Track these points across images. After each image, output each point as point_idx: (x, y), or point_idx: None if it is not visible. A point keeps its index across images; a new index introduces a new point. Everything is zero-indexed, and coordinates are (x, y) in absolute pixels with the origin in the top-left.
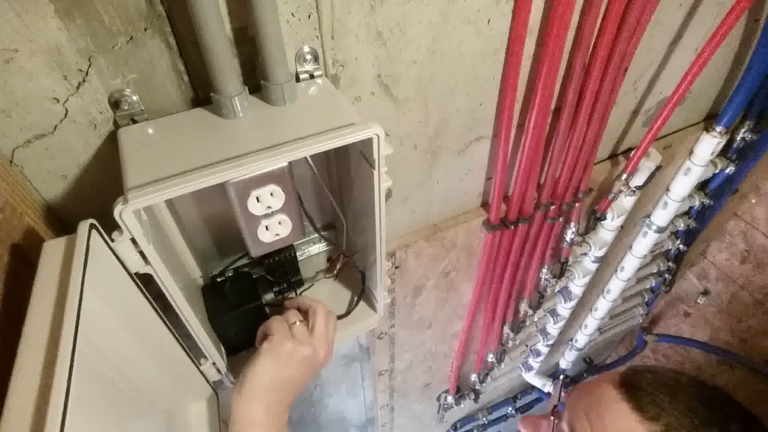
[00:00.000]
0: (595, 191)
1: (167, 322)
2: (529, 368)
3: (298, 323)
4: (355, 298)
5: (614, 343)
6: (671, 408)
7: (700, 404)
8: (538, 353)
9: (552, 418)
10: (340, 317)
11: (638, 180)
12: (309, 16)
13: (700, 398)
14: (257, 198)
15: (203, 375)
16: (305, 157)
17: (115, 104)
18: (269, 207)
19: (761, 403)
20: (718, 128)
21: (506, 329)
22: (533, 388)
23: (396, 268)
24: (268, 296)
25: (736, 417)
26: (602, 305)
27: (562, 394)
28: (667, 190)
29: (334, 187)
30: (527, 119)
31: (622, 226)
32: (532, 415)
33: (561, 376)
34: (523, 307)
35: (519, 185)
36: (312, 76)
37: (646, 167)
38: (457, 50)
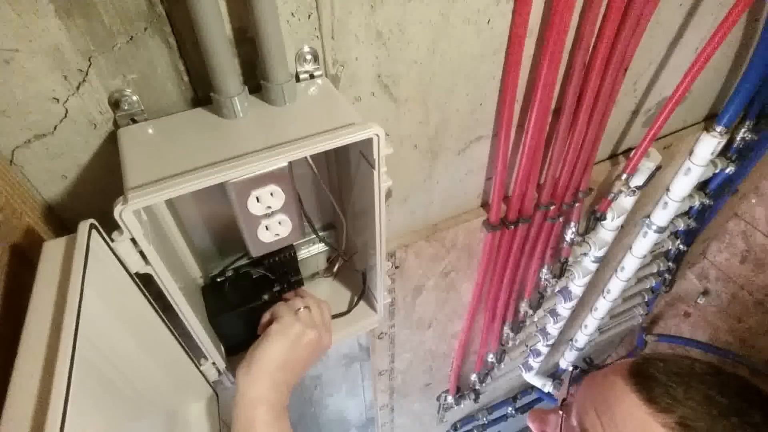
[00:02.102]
0: (595, 191)
1: (167, 322)
2: (529, 368)
3: (302, 309)
4: (355, 298)
5: (614, 343)
6: (686, 398)
7: (718, 393)
8: (538, 353)
9: (560, 412)
10: (339, 315)
11: (638, 180)
12: (309, 16)
13: (718, 386)
14: (257, 198)
15: (203, 375)
16: (305, 157)
17: (115, 104)
18: (269, 207)
19: None
20: (718, 128)
21: (506, 329)
22: (533, 388)
23: (396, 268)
24: (268, 296)
25: (757, 405)
26: (602, 305)
27: (572, 386)
28: (667, 190)
29: (334, 187)
30: (527, 119)
31: (622, 226)
32: (540, 408)
33: (571, 368)
34: (523, 307)
35: (519, 185)
36: (312, 76)
37: (646, 167)
38: (457, 50)
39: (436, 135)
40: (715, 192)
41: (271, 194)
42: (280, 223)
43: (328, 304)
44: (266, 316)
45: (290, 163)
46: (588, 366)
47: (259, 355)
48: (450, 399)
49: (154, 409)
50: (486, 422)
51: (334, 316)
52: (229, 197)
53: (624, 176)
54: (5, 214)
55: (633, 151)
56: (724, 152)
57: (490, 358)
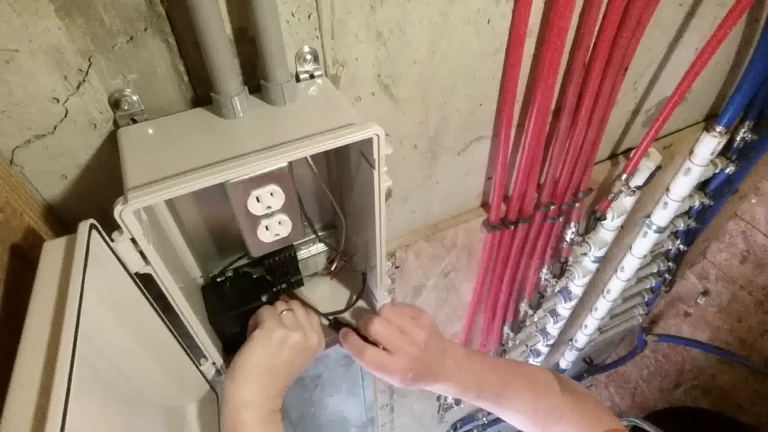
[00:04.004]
0: (595, 191)
1: (167, 322)
2: None
3: (286, 312)
4: (355, 298)
5: (614, 343)
6: None
7: None
8: (538, 353)
9: None
10: (338, 314)
11: (638, 180)
12: (309, 16)
13: None
14: (257, 198)
15: (203, 375)
16: (305, 157)
17: (115, 104)
18: (269, 207)
19: (761, 403)
20: (718, 128)
21: (506, 329)
22: None
23: (396, 268)
24: (268, 296)
25: None
26: (602, 305)
27: None
28: (667, 190)
29: (334, 187)
30: (527, 119)
31: (622, 226)
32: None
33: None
34: (523, 307)
35: (519, 185)
36: (312, 76)
37: (646, 167)
38: (457, 50)
39: (436, 135)
40: (715, 192)
41: (271, 194)
42: (280, 223)
43: (313, 307)
44: (252, 321)
45: (290, 163)
46: (588, 366)
47: (242, 361)
48: (450, 399)
49: (153, 408)
50: (486, 422)
51: (333, 315)
52: (229, 197)
53: (624, 176)
54: (5, 214)
55: (633, 151)
56: (724, 152)
57: None
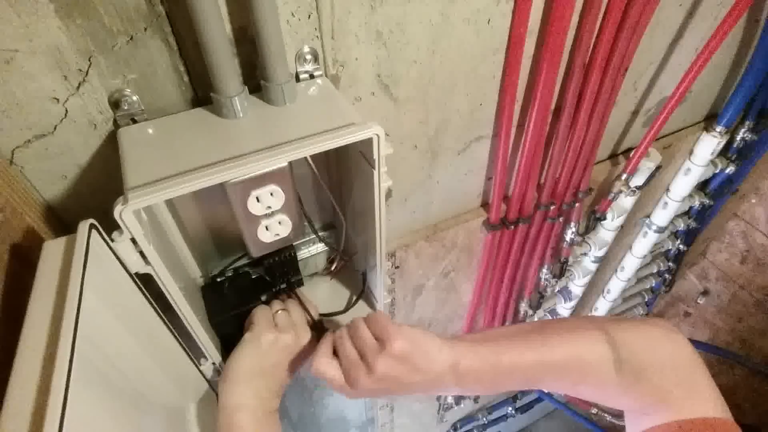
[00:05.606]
0: (595, 191)
1: (167, 322)
2: None
3: (280, 312)
4: (355, 298)
5: None
6: None
7: None
8: None
9: None
10: (337, 314)
11: (638, 180)
12: (309, 16)
13: None
14: (257, 198)
15: (203, 375)
16: (305, 157)
17: (115, 104)
18: (269, 207)
19: (761, 403)
20: (718, 128)
21: None
22: None
23: (396, 268)
24: (267, 296)
25: None
26: (602, 305)
27: None
28: (667, 190)
29: (334, 187)
30: (527, 119)
31: (622, 226)
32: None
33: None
34: (523, 307)
35: (519, 185)
36: (312, 76)
37: (646, 167)
38: (457, 50)
39: (436, 135)
40: (715, 192)
41: (271, 194)
42: (280, 223)
43: (313, 303)
44: (246, 322)
45: (290, 163)
46: None
47: (233, 364)
48: (450, 399)
49: (153, 409)
50: (486, 422)
51: (332, 315)
52: (229, 197)
53: (624, 176)
54: (5, 214)
55: (633, 151)
56: (724, 152)
57: None
